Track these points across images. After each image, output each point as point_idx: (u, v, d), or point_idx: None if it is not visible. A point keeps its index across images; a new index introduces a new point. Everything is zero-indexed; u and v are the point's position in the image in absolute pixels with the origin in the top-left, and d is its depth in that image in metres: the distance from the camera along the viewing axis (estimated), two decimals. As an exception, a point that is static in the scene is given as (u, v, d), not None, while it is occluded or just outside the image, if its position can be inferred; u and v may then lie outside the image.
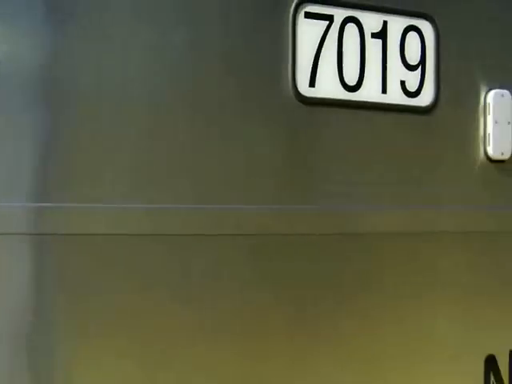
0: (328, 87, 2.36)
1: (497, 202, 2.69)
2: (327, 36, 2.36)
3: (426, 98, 2.53)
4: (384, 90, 2.46)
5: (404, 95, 2.50)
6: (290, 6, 2.30)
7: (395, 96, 2.48)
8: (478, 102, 2.65)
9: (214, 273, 2.17)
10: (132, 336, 2.05)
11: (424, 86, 2.53)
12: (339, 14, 2.38)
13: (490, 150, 2.65)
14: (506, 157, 2.68)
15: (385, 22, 2.46)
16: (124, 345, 2.04)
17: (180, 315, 2.11)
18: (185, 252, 2.13)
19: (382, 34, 2.46)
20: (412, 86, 2.51)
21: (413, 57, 2.51)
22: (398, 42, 2.49)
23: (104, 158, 2.04)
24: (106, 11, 2.06)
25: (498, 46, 2.70)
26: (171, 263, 2.11)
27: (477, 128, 2.65)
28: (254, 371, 2.21)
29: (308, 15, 2.33)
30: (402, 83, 2.49)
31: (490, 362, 2.61)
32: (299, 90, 2.31)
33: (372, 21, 2.44)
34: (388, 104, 2.46)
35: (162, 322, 2.08)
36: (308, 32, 2.33)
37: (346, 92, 2.40)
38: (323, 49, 2.35)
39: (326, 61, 2.35)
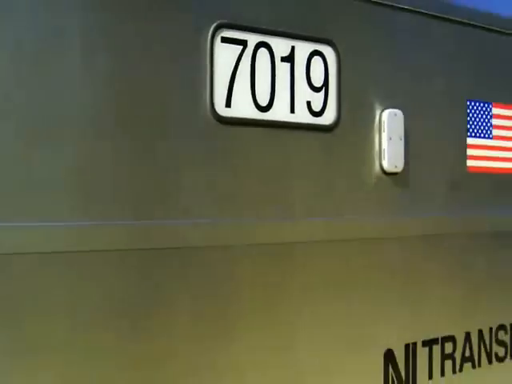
0: (242, 107, 2.54)
1: (392, 210, 2.96)
2: (241, 59, 2.54)
3: (329, 117, 2.77)
4: (292, 110, 2.67)
5: (310, 115, 2.72)
6: (208, 31, 2.47)
7: (302, 115, 2.70)
8: (374, 121, 2.92)
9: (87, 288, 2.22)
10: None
11: (327, 106, 2.76)
12: (252, 39, 2.57)
13: (385, 164, 2.92)
14: (399, 169, 2.96)
15: (292, 47, 2.67)
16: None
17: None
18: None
19: (290, 58, 2.67)
20: (317, 106, 2.73)
21: (317, 79, 2.74)
22: (304, 66, 2.71)
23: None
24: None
25: (391, 70, 2.98)
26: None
27: (373, 144, 2.91)
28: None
29: (224, 40, 2.50)
30: (308, 103, 2.71)
31: (389, 356, 2.88)
32: (216, 110, 2.48)
33: (281, 46, 2.64)
34: (296, 123, 2.68)
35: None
36: (224, 56, 2.50)
37: (259, 112, 2.59)
38: (238, 71, 2.53)
39: (240, 83, 2.54)
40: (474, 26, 3.26)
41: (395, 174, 2.95)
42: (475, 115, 3.36)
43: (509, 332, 3.37)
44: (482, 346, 3.23)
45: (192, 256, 2.40)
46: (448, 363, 3.09)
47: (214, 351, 2.42)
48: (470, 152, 3.30)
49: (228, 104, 2.51)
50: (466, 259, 3.20)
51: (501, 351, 3.33)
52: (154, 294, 2.33)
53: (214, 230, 2.46)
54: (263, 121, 2.59)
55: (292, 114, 2.67)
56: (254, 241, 2.56)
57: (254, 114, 2.57)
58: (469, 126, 3.31)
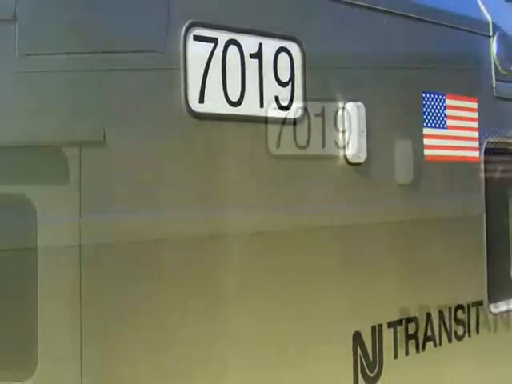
0: (215, 103, 2.63)
1: (356, 198, 3.09)
2: (213, 56, 2.63)
3: (295, 111, 2.87)
4: (261, 104, 2.77)
5: (278, 109, 2.82)
6: (181, 29, 2.55)
7: (270, 109, 2.80)
8: (337, 113, 3.03)
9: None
10: None
11: (294, 100, 2.87)
12: (222, 36, 2.66)
13: (349, 155, 3.04)
14: (362, 160, 3.08)
15: (260, 44, 2.77)
16: None
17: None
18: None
19: (258, 55, 2.77)
20: (284, 101, 2.84)
21: (284, 74, 2.84)
22: (272, 62, 2.81)
23: None
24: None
25: (354, 65, 3.10)
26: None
27: (337, 135, 3.03)
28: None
29: (196, 38, 2.59)
30: (276, 98, 2.82)
31: (357, 338, 3.01)
32: (191, 105, 2.56)
33: (250, 43, 2.74)
34: (265, 117, 2.78)
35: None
36: (197, 53, 2.58)
37: (230, 107, 2.68)
38: (210, 68, 2.62)
39: (212, 79, 2.62)
40: (430, 22, 3.42)
41: (359, 164, 3.08)
42: (430, 106, 3.52)
43: (466, 311, 3.56)
44: (442, 326, 3.41)
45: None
46: (412, 343, 3.26)
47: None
48: (426, 142, 3.46)
49: (201, 100, 2.59)
50: (426, 244, 3.36)
51: (460, 330, 3.52)
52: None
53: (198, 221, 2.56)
54: (234, 115, 2.68)
55: (261, 108, 2.77)
56: (242, 229, 2.66)
57: (225, 108, 2.66)
58: (425, 117, 3.47)
